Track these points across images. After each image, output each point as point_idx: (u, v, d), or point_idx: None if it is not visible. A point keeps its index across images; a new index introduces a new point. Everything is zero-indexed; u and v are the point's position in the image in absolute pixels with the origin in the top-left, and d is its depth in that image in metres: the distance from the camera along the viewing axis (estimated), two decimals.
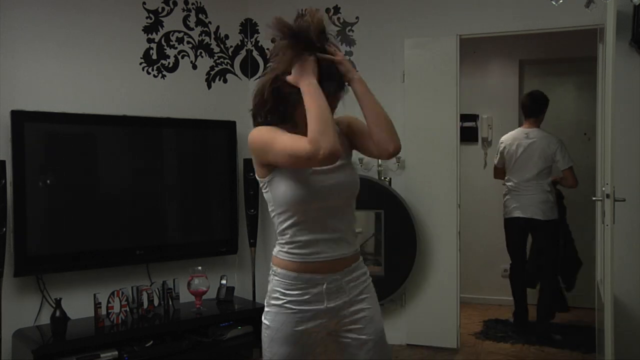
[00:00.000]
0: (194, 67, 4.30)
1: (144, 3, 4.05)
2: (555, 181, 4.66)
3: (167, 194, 4.06)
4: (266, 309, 1.83)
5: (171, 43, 4.18)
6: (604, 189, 2.81)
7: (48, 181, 3.49)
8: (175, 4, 4.20)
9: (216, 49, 4.43)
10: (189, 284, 3.81)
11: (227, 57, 4.49)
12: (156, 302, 3.76)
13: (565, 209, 4.83)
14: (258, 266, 4.26)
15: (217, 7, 4.42)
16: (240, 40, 4.57)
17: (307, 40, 1.73)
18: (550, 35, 4.63)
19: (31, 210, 3.38)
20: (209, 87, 4.38)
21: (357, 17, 4.40)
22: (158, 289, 3.80)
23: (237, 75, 4.52)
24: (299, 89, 1.71)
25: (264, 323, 1.83)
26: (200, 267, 3.84)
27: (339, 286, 1.82)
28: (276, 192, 1.77)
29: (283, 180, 1.75)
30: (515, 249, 4.75)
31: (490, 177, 5.05)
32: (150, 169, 3.96)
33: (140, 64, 4.03)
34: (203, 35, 4.35)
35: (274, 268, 1.83)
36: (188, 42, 4.27)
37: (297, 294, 1.78)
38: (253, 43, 4.60)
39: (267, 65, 1.83)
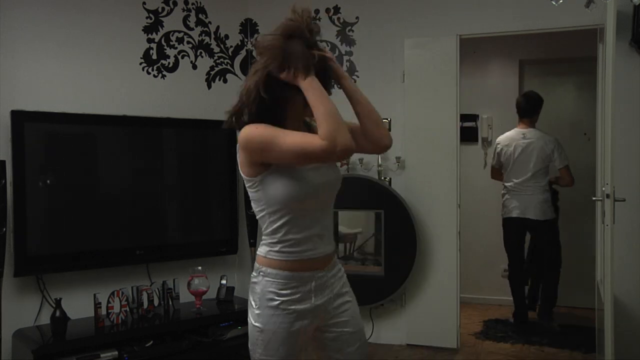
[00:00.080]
0: (194, 67, 4.31)
1: (144, 3, 4.05)
2: (551, 181, 4.68)
3: (167, 194, 4.05)
4: (257, 311, 1.79)
5: (171, 43, 4.18)
6: (604, 189, 2.81)
7: (48, 181, 3.48)
8: (175, 4, 4.20)
9: (216, 49, 4.43)
10: (189, 284, 3.81)
11: (227, 57, 4.49)
12: (156, 302, 3.75)
13: (559, 209, 4.85)
14: None
15: (217, 7, 4.42)
16: (240, 40, 4.57)
17: (301, 37, 1.72)
18: (550, 35, 4.63)
19: (31, 210, 3.37)
20: (209, 87, 4.38)
21: (357, 17, 4.40)
22: (158, 289, 3.80)
23: (237, 75, 4.52)
24: (293, 86, 1.70)
25: (256, 326, 1.80)
26: (200, 267, 3.84)
27: (325, 282, 1.85)
28: (269, 191, 1.75)
29: (277, 178, 1.73)
30: (514, 249, 4.77)
31: (490, 177, 5.06)
32: (150, 169, 3.96)
33: (140, 64, 4.03)
34: (203, 35, 4.36)
35: (263, 269, 1.80)
36: (188, 42, 4.27)
37: (289, 293, 1.78)
38: (253, 43, 4.61)
39: (253, 62, 1.77)
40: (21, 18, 3.51)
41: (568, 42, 5.00)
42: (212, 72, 4.40)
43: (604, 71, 3.19)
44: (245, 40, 4.59)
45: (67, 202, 3.56)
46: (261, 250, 1.84)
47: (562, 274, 4.88)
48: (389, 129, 4.28)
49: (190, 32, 4.28)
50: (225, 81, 4.46)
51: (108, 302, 3.50)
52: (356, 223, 4.69)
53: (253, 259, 4.25)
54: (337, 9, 4.44)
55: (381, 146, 1.89)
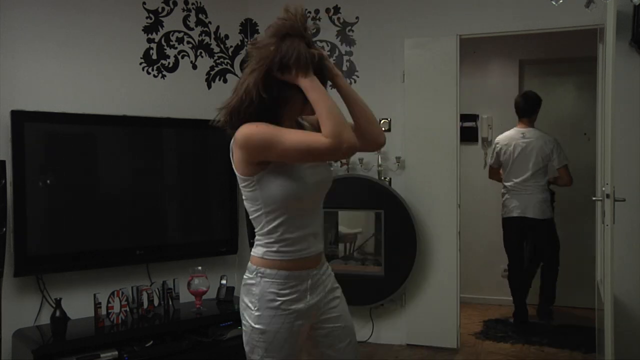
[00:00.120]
0: (194, 67, 4.31)
1: (144, 3, 4.05)
2: (549, 181, 4.69)
3: (167, 194, 4.05)
4: (256, 313, 1.77)
5: (171, 43, 4.18)
6: (604, 189, 2.81)
7: (48, 181, 3.48)
8: (175, 4, 4.20)
9: (216, 49, 4.43)
10: (189, 284, 3.81)
11: (227, 57, 4.49)
12: (156, 302, 3.75)
13: (554, 209, 4.87)
14: None
15: (217, 7, 4.42)
16: (240, 40, 4.57)
17: (300, 36, 1.72)
18: (550, 35, 4.63)
19: (31, 210, 3.37)
20: (209, 87, 4.38)
21: (357, 17, 4.40)
22: (158, 289, 3.80)
23: (237, 75, 4.52)
24: (292, 85, 1.70)
25: (257, 328, 1.77)
26: (200, 267, 3.84)
27: (318, 280, 1.85)
28: (267, 190, 1.74)
29: (275, 177, 1.73)
30: (514, 249, 4.78)
31: (488, 177, 5.06)
32: (150, 169, 3.96)
33: (140, 64, 4.03)
34: (203, 35, 4.36)
35: (262, 269, 1.78)
36: (188, 42, 4.27)
37: (288, 292, 1.78)
38: (250, 42, 4.60)
39: (249, 60, 1.75)
40: (21, 18, 3.51)
41: (568, 42, 5.00)
42: (212, 72, 4.41)
43: (604, 71, 3.19)
44: (245, 40, 4.59)
45: (67, 202, 3.56)
46: (257, 251, 1.82)
47: (562, 274, 4.88)
48: (389, 129, 4.30)
49: (190, 32, 4.28)
50: (225, 81, 4.46)
51: (108, 302, 3.50)
52: (356, 223, 4.69)
53: None
54: (337, 9, 4.44)
55: (377, 143, 1.90)
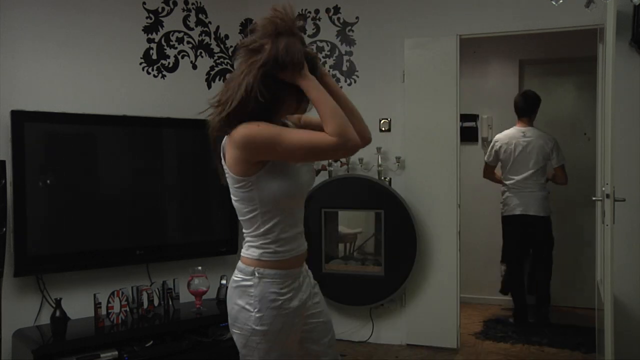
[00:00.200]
0: (194, 67, 4.31)
1: (144, 3, 4.05)
2: (547, 179, 4.72)
3: (167, 194, 4.05)
4: (257, 315, 1.74)
5: (171, 43, 4.18)
6: (604, 189, 2.81)
7: (48, 181, 3.48)
8: (175, 4, 4.20)
9: (216, 49, 4.43)
10: (189, 284, 3.81)
11: (227, 57, 4.49)
12: (156, 302, 3.75)
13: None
14: None
15: (217, 7, 4.42)
16: (240, 40, 4.57)
17: (295, 35, 1.72)
18: (550, 35, 4.63)
19: (31, 210, 3.37)
20: (209, 87, 4.38)
21: (357, 17, 4.40)
22: (158, 289, 3.80)
23: None
24: (290, 84, 1.70)
25: (258, 330, 1.74)
26: (200, 267, 3.84)
27: (305, 277, 1.89)
28: (265, 190, 1.73)
29: (274, 177, 1.73)
30: (515, 247, 4.78)
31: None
32: (150, 169, 3.96)
33: (140, 64, 4.04)
34: (203, 35, 4.36)
35: (261, 270, 1.77)
36: (188, 42, 4.27)
37: (286, 291, 1.79)
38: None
39: (244, 60, 1.73)
40: (21, 18, 3.51)
41: (568, 42, 5.00)
42: (212, 72, 4.41)
43: (604, 71, 3.19)
44: None
45: (67, 202, 3.56)
46: (251, 252, 1.81)
47: (562, 274, 4.89)
48: (389, 129, 4.30)
49: (190, 32, 4.28)
50: (225, 81, 4.46)
51: (108, 302, 3.50)
52: (356, 223, 4.69)
53: None
54: (337, 9, 4.43)
55: (366, 139, 1.89)
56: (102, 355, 3.27)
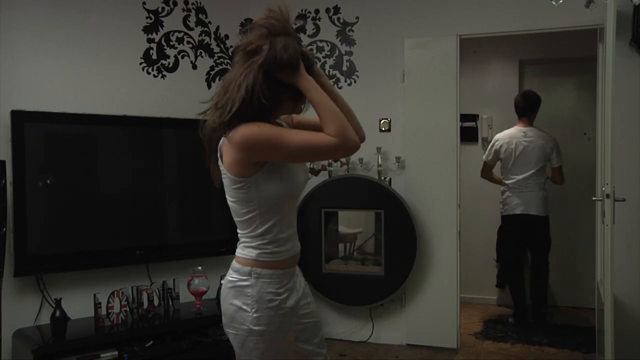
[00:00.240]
0: (194, 67, 4.31)
1: (144, 3, 4.05)
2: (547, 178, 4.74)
3: (167, 194, 4.05)
4: (254, 315, 1.74)
5: (171, 43, 4.18)
6: (604, 189, 2.81)
7: (48, 181, 3.48)
8: (175, 4, 4.20)
9: (216, 49, 4.43)
10: (189, 284, 3.81)
11: (227, 57, 4.49)
12: (156, 302, 3.75)
13: None
14: None
15: (217, 7, 4.42)
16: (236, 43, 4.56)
17: (291, 35, 1.73)
18: (550, 35, 4.63)
19: (31, 210, 3.37)
20: (209, 87, 4.38)
21: (357, 17, 4.40)
22: (158, 289, 3.80)
23: None
24: (288, 85, 1.71)
25: (256, 330, 1.74)
26: (200, 267, 3.84)
27: (298, 277, 1.90)
28: (265, 191, 1.73)
29: (273, 178, 1.73)
30: (515, 247, 4.78)
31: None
32: (150, 169, 3.96)
33: (140, 64, 4.04)
34: (203, 35, 4.36)
35: (258, 270, 1.76)
36: (188, 42, 4.27)
37: (282, 291, 1.79)
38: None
39: (244, 60, 1.73)
40: (21, 18, 3.51)
41: (568, 42, 5.01)
42: (212, 72, 4.41)
43: (604, 71, 3.19)
44: None
45: (67, 202, 3.56)
46: (248, 252, 1.79)
47: (562, 274, 4.88)
48: (389, 129, 4.30)
49: (190, 32, 4.28)
50: (220, 83, 4.45)
51: (108, 302, 3.51)
52: (356, 223, 4.69)
53: None
54: (337, 9, 4.43)
55: (362, 138, 1.89)
56: (102, 355, 3.27)
